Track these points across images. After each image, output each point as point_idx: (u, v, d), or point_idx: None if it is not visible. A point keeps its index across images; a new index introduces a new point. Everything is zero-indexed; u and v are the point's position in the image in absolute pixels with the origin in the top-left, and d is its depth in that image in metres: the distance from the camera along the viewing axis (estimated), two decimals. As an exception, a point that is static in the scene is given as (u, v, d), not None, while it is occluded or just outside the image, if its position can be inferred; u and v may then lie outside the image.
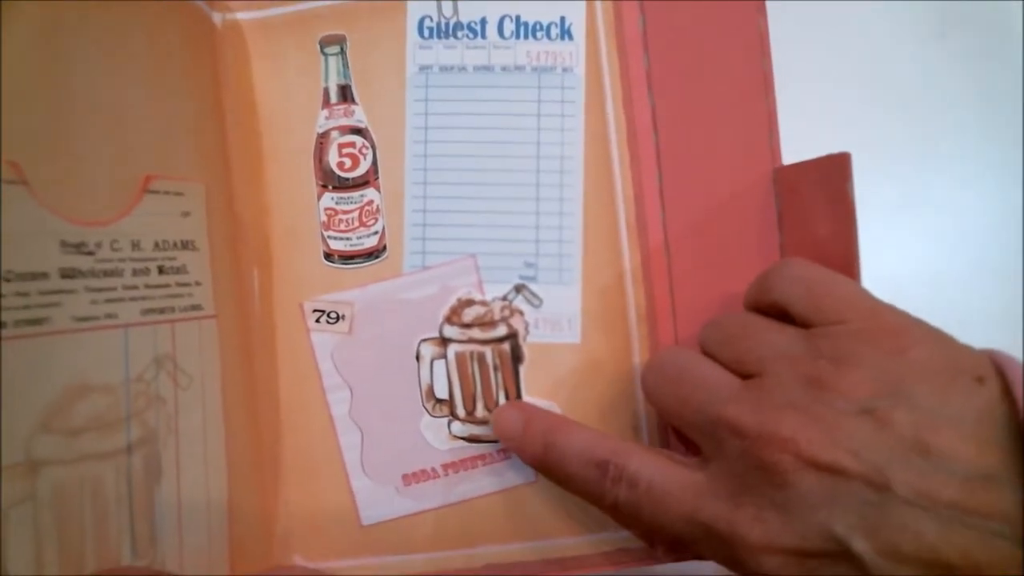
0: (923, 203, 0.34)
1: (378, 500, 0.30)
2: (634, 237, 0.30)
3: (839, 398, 0.21)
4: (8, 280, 0.22)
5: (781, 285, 0.25)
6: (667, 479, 0.23)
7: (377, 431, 0.30)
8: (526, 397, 0.30)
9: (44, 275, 0.23)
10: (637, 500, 0.24)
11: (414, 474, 0.30)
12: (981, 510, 0.18)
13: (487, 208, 0.30)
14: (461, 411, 0.30)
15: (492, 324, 0.30)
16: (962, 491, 0.19)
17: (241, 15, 0.30)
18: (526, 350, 0.30)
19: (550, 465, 0.26)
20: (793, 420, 0.21)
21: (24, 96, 0.23)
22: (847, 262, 0.25)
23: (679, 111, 0.30)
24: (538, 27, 0.30)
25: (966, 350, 0.22)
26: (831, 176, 0.26)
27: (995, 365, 0.21)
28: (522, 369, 0.30)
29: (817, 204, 0.27)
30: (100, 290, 0.24)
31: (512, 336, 0.30)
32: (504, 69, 0.30)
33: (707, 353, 0.26)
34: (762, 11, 0.29)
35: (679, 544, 0.24)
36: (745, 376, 0.24)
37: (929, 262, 0.34)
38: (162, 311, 0.26)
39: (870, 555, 0.19)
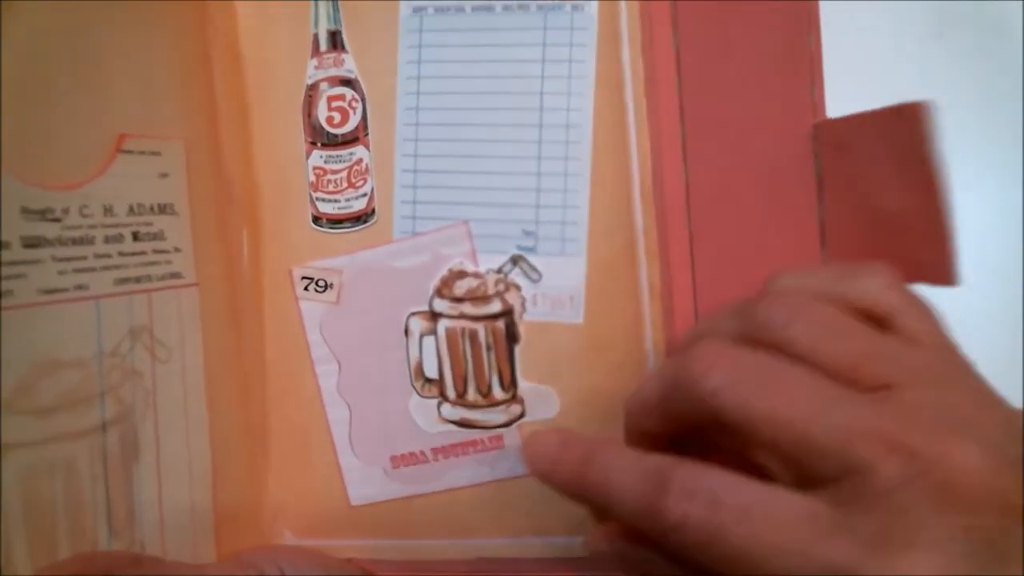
0: (923, 203, 0.33)
1: (367, 480, 0.30)
2: (649, 202, 0.27)
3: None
4: (-38, 253, 0.22)
5: (881, 292, 0.21)
6: (770, 503, 0.18)
7: (365, 408, 0.30)
8: (521, 381, 0.28)
9: (4, 245, 0.23)
10: (719, 524, 0.18)
11: (403, 456, 0.29)
12: None
13: (483, 168, 0.28)
14: (451, 393, 0.29)
15: (486, 299, 0.28)
16: None
17: (227, -43, 0.29)
18: (522, 329, 0.28)
19: (591, 481, 0.22)
20: (984, 453, 0.17)
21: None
22: (931, 236, 0.21)
23: (707, 55, 0.26)
24: (543, -43, 0.27)
25: None
26: (902, 133, 0.22)
27: None
28: (517, 350, 0.28)
29: (883, 168, 0.23)
30: (68, 259, 0.25)
31: (507, 313, 0.28)
32: (506, 9, 0.28)
33: (770, 343, 0.20)
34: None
35: None
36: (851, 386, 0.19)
37: (929, 262, 0.33)
38: (138, 280, 0.27)
39: None
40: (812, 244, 0.25)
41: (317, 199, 0.30)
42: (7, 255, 0.23)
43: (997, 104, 0.33)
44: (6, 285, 0.23)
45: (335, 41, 0.29)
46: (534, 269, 0.28)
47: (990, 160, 0.32)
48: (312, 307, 0.30)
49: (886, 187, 0.23)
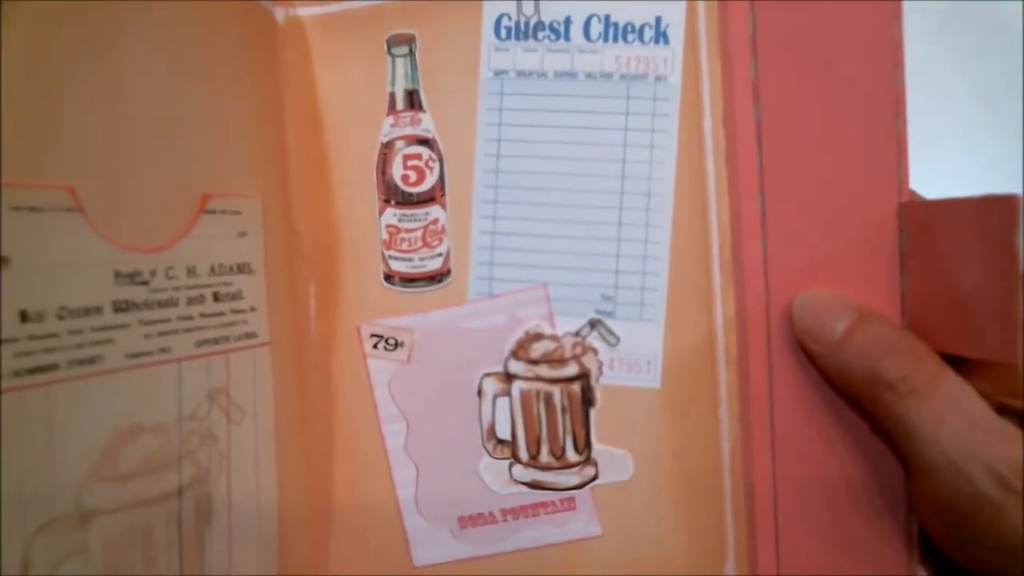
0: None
1: (432, 541, 0.30)
2: (728, 271, 0.28)
3: None
4: (61, 318, 0.22)
5: None
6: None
7: (433, 468, 0.30)
8: (595, 443, 0.29)
9: (98, 310, 0.23)
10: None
11: (471, 517, 0.30)
12: None
13: (562, 232, 0.29)
14: (524, 454, 0.29)
15: (562, 362, 0.29)
16: None
17: (303, 11, 0.30)
18: (598, 392, 0.29)
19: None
20: None
21: (78, 112, 0.23)
22: (1002, 316, 0.23)
23: (789, 129, 0.27)
24: (629, 29, 0.28)
25: None
26: (990, 220, 0.23)
27: None
28: (593, 413, 0.29)
29: (965, 249, 0.24)
30: (154, 322, 0.25)
31: (583, 376, 0.29)
32: (589, 76, 0.29)
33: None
34: (898, 18, 0.26)
35: None
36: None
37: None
38: (216, 342, 0.26)
39: None
40: (894, 317, 0.27)
41: (389, 257, 0.30)
42: (100, 320, 0.23)
43: (997, 104, 0.34)
44: (96, 350, 0.23)
45: (412, 100, 0.30)
46: (612, 333, 0.29)
47: (990, 160, 0.33)
48: (381, 365, 0.30)
49: (966, 267, 0.24)
